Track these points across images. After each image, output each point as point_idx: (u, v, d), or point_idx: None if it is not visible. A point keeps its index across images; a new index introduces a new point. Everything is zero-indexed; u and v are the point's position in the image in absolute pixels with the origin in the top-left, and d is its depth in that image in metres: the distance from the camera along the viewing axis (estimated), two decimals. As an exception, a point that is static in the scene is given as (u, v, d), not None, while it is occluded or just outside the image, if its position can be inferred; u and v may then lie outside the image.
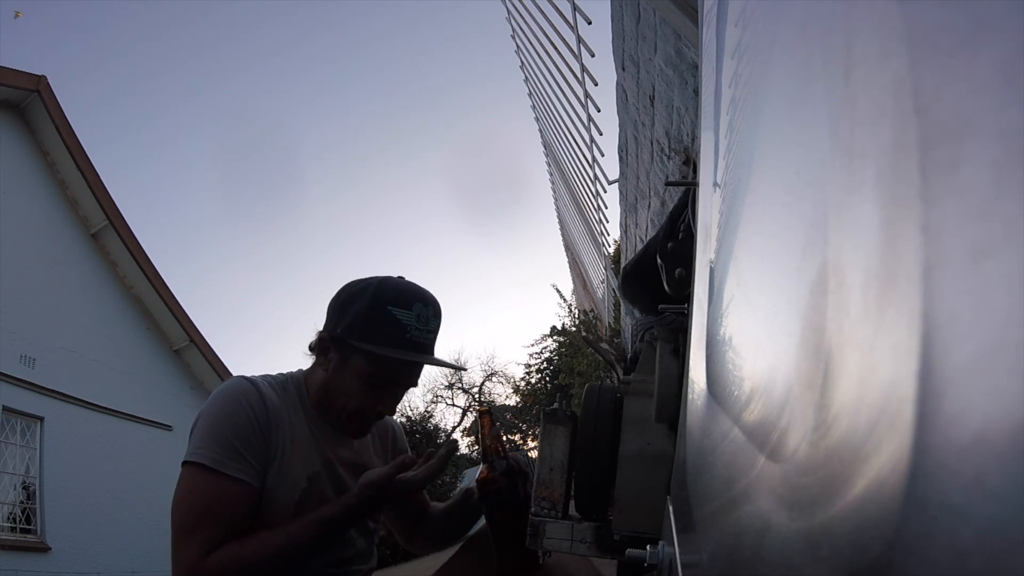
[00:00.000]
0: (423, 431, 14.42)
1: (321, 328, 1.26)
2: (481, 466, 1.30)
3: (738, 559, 0.31)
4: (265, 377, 1.24)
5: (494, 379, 18.79)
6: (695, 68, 2.65)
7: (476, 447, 18.35)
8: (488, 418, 1.32)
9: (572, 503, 1.49)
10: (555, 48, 5.91)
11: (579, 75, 5.53)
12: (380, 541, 1.41)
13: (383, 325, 1.18)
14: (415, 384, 1.27)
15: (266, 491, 1.14)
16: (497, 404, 18.53)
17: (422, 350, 1.22)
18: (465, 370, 1.52)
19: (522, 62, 8.77)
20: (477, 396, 18.58)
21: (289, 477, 1.16)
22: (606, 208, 7.85)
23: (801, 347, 0.22)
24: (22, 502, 7.51)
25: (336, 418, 1.24)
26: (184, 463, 1.11)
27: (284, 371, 1.30)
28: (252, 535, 1.10)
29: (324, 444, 1.24)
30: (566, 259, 16.29)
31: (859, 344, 0.15)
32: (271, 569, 1.08)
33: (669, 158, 3.63)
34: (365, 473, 1.20)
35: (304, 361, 1.30)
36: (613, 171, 6.50)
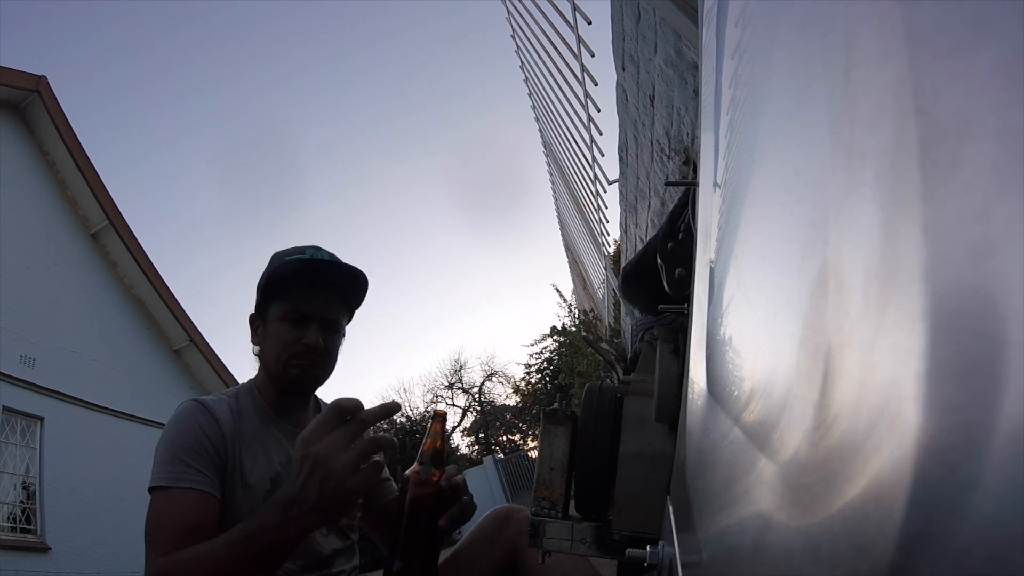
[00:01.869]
0: (423, 431, 14.39)
1: None
2: (415, 464, 1.15)
3: (738, 559, 0.31)
4: (215, 394, 1.29)
5: (494, 379, 18.80)
6: (695, 68, 2.65)
7: (475, 447, 18.35)
8: (440, 423, 1.19)
9: (572, 503, 1.49)
10: (555, 48, 5.91)
11: (579, 75, 5.53)
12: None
13: (283, 270, 1.26)
14: (333, 316, 1.29)
15: (230, 500, 1.16)
16: (497, 404, 18.52)
17: (325, 283, 1.27)
18: (365, 279, 1.33)
19: (522, 62, 8.77)
20: (477, 396, 18.57)
21: (251, 482, 1.19)
22: (606, 208, 7.87)
23: (801, 347, 0.22)
24: (22, 502, 7.51)
25: (282, 382, 1.27)
26: (149, 491, 1.14)
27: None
28: (204, 542, 1.04)
29: (286, 444, 1.27)
30: (566, 259, 16.30)
31: (859, 344, 0.15)
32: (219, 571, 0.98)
33: (669, 158, 3.63)
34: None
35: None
36: (613, 171, 6.51)
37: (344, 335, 1.38)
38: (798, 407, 0.21)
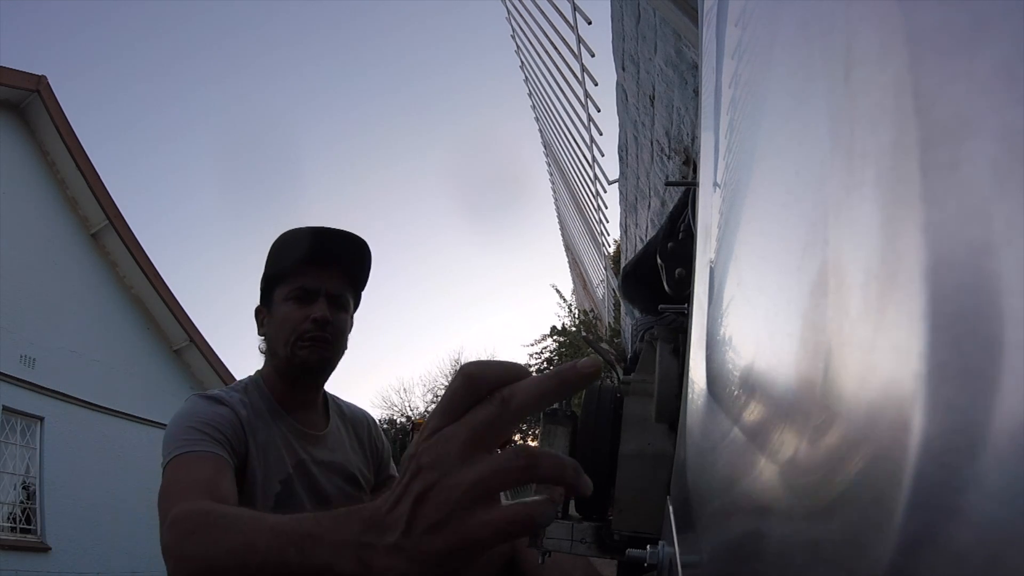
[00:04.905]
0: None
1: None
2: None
3: (738, 559, 0.31)
4: (221, 388, 1.25)
5: (494, 379, 18.77)
6: (695, 68, 2.65)
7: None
8: None
9: (572, 503, 1.49)
10: (555, 48, 5.92)
11: (579, 75, 5.53)
12: None
13: (284, 252, 1.26)
14: (338, 291, 1.27)
15: (241, 496, 1.09)
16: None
17: (325, 255, 1.26)
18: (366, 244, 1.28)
19: (522, 62, 8.77)
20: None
21: (259, 482, 1.14)
22: (606, 208, 7.87)
23: (801, 347, 0.22)
24: (22, 502, 7.52)
25: (290, 366, 1.22)
26: (163, 469, 1.06)
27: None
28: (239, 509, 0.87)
29: (296, 445, 1.21)
30: (566, 259, 16.30)
31: (859, 344, 0.15)
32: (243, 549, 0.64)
33: (669, 158, 3.63)
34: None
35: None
36: (613, 171, 6.51)
37: (352, 317, 1.34)
38: (798, 407, 0.21)
